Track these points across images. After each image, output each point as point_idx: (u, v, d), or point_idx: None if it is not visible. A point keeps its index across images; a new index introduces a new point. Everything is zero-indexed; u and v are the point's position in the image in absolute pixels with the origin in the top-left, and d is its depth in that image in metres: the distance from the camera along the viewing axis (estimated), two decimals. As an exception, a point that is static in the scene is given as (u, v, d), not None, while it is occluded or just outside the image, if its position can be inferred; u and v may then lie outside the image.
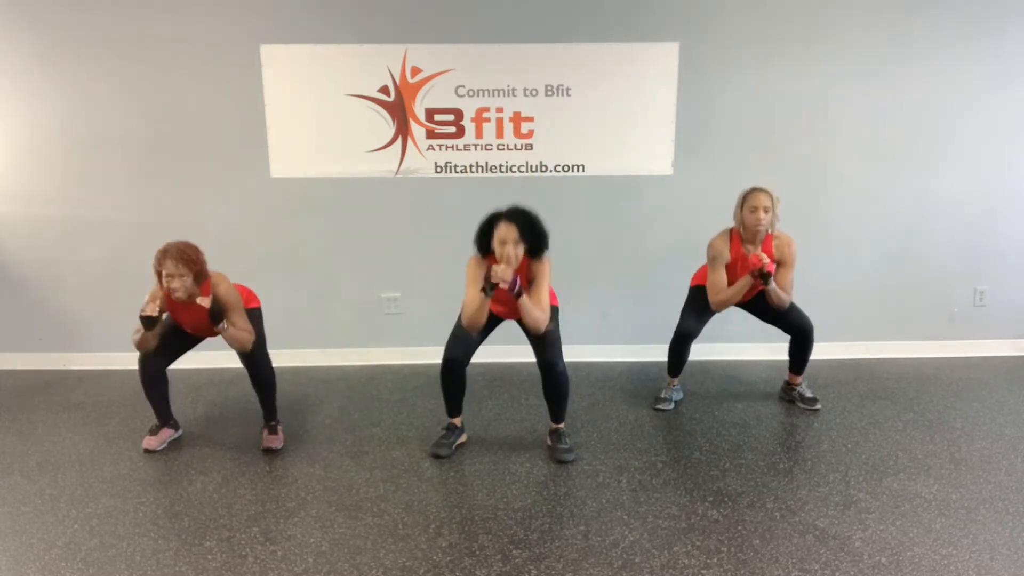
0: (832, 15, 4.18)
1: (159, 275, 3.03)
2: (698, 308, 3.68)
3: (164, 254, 3.00)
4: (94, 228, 4.35)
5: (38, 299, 4.46)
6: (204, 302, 3.05)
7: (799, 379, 3.87)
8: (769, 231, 3.53)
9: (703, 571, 2.47)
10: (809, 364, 4.37)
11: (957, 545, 2.61)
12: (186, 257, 3.01)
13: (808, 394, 3.83)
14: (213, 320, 3.07)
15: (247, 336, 3.22)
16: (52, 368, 4.51)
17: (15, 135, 4.23)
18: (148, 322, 3.08)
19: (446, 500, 2.94)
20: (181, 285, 3.00)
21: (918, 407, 3.83)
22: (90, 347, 4.52)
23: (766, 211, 3.42)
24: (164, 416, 3.45)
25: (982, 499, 2.91)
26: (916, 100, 4.29)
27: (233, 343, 3.20)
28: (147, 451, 3.36)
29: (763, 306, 3.65)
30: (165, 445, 3.42)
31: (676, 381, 3.90)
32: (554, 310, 3.25)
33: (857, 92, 4.26)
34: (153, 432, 3.42)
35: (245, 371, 3.50)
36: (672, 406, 3.84)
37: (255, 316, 3.38)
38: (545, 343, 3.20)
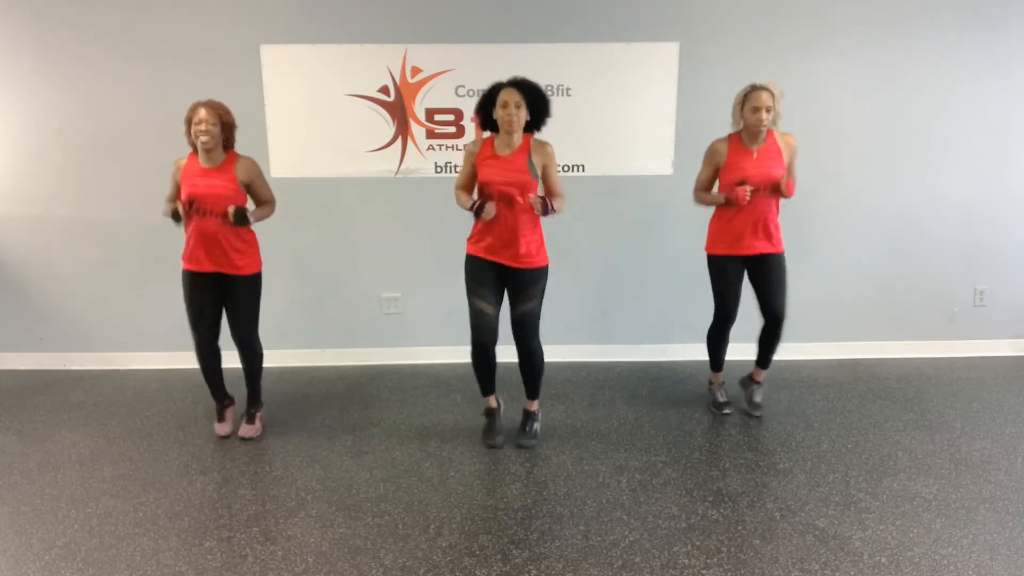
0: (833, 15, 4.18)
1: (189, 124, 3.16)
2: (726, 284, 3.59)
3: (197, 103, 3.16)
4: (94, 228, 4.35)
5: (38, 299, 4.46)
6: (229, 210, 3.17)
7: (762, 376, 3.83)
8: (771, 128, 3.44)
9: (703, 571, 2.47)
10: (810, 364, 4.39)
11: (957, 545, 2.61)
12: (218, 108, 3.17)
13: (757, 399, 3.80)
14: (239, 223, 3.18)
15: (269, 209, 3.39)
16: (52, 368, 4.51)
17: (15, 135, 4.22)
18: (176, 218, 3.22)
19: (446, 500, 2.94)
20: (209, 133, 3.12)
21: (918, 407, 3.83)
22: (90, 347, 4.52)
23: (768, 111, 3.32)
24: (221, 393, 3.52)
25: (982, 499, 2.91)
26: (916, 100, 4.29)
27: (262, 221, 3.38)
28: (222, 437, 3.50)
29: (763, 274, 3.56)
30: (233, 425, 3.55)
31: (722, 377, 3.86)
32: (542, 273, 3.22)
33: (857, 92, 4.26)
34: (220, 418, 3.52)
35: (245, 372, 3.52)
36: (732, 406, 3.80)
37: (257, 283, 3.40)
38: (524, 319, 3.21)
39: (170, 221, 3.24)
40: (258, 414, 3.56)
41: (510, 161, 3.12)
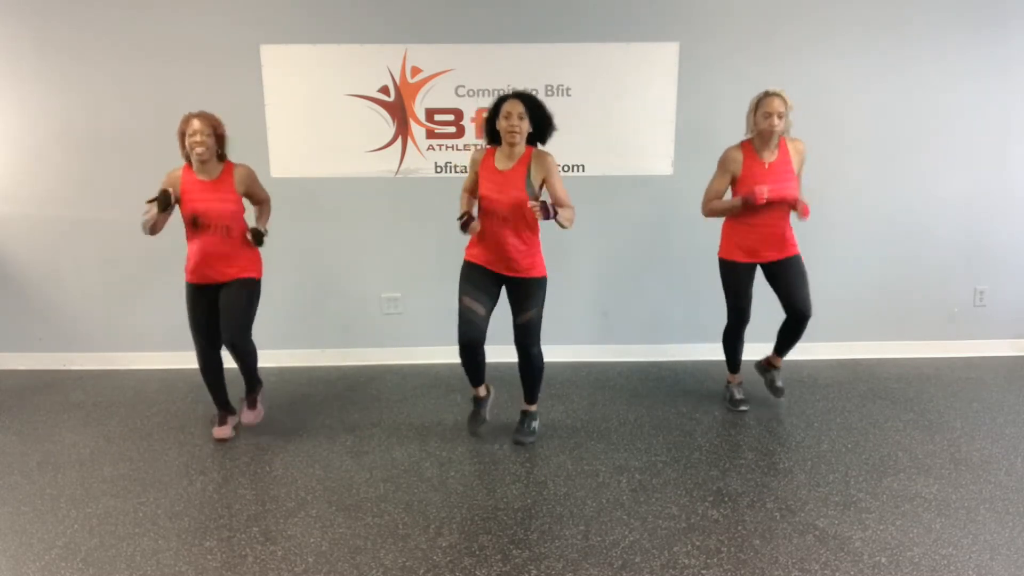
0: (832, 15, 4.18)
1: (182, 137, 3.18)
2: (739, 286, 3.59)
3: (189, 115, 3.18)
4: (94, 228, 4.35)
5: (38, 299, 4.46)
6: (248, 235, 3.31)
7: (781, 361, 3.84)
8: (783, 135, 3.45)
9: (703, 571, 2.47)
10: (810, 364, 4.36)
11: (957, 545, 2.61)
12: (211, 119, 3.19)
13: (779, 383, 3.83)
14: (259, 243, 3.34)
15: (268, 207, 3.51)
16: (52, 368, 4.51)
17: (15, 135, 4.23)
18: (164, 200, 3.17)
19: (446, 500, 2.94)
20: (204, 144, 3.14)
21: (918, 407, 3.83)
22: (90, 347, 4.52)
23: (780, 117, 3.33)
24: (224, 404, 3.53)
25: (982, 499, 2.91)
26: (916, 100, 4.29)
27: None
28: (220, 440, 3.47)
29: (781, 275, 3.55)
30: (233, 433, 3.53)
31: (739, 378, 3.86)
32: (539, 284, 3.25)
33: (857, 92, 4.27)
34: (221, 422, 3.51)
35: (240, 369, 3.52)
36: (748, 404, 3.82)
37: (253, 288, 3.40)
38: (526, 326, 3.25)
39: (149, 225, 3.16)
40: (258, 397, 3.57)
41: (508, 177, 3.14)
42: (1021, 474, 3.11)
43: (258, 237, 3.34)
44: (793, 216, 3.50)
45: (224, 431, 3.49)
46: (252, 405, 3.56)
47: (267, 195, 3.49)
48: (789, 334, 3.68)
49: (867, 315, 4.58)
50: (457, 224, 3.18)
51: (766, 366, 3.90)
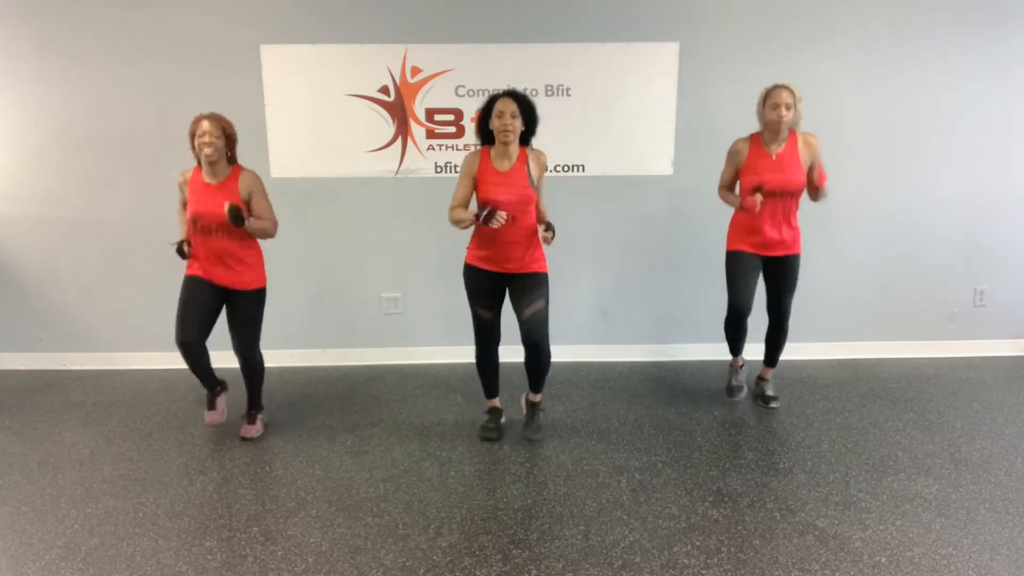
0: (832, 15, 4.18)
1: (192, 138, 3.18)
2: (741, 277, 3.60)
3: (200, 116, 3.18)
4: (94, 228, 4.35)
5: (38, 299, 4.46)
6: (225, 206, 3.12)
7: (770, 373, 3.90)
8: (793, 128, 3.47)
9: (703, 571, 2.47)
10: (810, 364, 4.35)
11: (957, 545, 2.61)
12: (220, 120, 3.19)
13: (769, 392, 3.86)
14: (234, 221, 3.11)
15: (269, 225, 3.33)
16: (52, 368, 4.51)
17: (15, 135, 4.22)
18: (180, 254, 3.25)
19: (446, 500, 2.94)
20: (213, 145, 3.13)
21: (918, 407, 3.83)
22: (90, 347, 4.52)
23: (788, 108, 3.35)
24: (211, 382, 3.47)
25: (982, 499, 2.91)
26: (916, 100, 4.29)
27: (257, 235, 3.34)
28: (212, 425, 3.51)
29: (775, 274, 3.62)
30: (225, 413, 3.52)
31: (741, 360, 3.89)
32: (542, 278, 3.25)
33: (857, 92, 4.26)
34: (211, 406, 3.48)
35: (244, 379, 3.52)
36: (746, 391, 3.87)
37: (259, 298, 3.41)
38: (536, 319, 3.21)
39: (175, 230, 3.26)
40: (259, 415, 3.57)
41: (512, 176, 3.14)
42: (1021, 474, 3.11)
43: (235, 213, 3.08)
44: (799, 214, 3.54)
45: (215, 416, 3.48)
46: (252, 421, 3.54)
47: (271, 216, 3.32)
48: (772, 339, 3.79)
49: (867, 315, 4.58)
50: (477, 223, 3.10)
51: (757, 380, 3.94)
